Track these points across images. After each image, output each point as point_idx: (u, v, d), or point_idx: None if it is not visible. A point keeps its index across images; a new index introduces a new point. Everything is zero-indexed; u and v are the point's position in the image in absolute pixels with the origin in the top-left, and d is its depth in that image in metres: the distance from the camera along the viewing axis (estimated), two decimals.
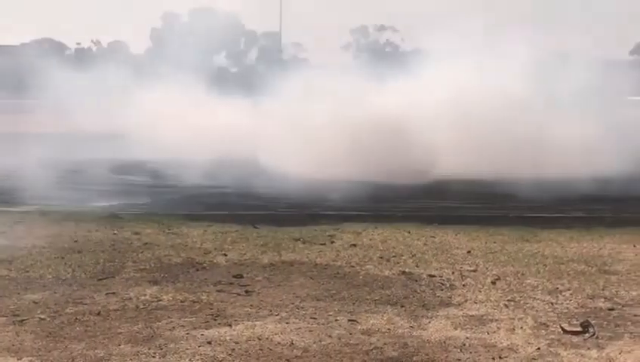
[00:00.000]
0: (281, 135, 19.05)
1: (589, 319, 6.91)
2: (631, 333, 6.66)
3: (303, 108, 19.15)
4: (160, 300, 7.57)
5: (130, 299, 7.62)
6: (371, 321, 6.93)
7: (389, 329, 6.74)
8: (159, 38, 60.79)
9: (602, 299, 7.72)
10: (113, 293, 7.79)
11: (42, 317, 7.01)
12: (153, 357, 6.01)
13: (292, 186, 15.81)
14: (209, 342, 6.32)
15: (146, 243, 10.25)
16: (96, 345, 6.25)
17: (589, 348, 6.27)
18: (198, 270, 8.90)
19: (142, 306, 7.37)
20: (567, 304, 7.55)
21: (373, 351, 6.19)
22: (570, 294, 7.90)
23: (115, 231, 11.09)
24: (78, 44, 70.39)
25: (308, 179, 16.28)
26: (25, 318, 6.95)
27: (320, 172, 16.73)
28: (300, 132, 18.62)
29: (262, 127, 20.22)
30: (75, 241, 10.35)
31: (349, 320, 6.94)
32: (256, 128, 20.33)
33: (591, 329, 6.64)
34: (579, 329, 6.68)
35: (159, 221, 12.04)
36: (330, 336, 6.50)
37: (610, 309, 7.37)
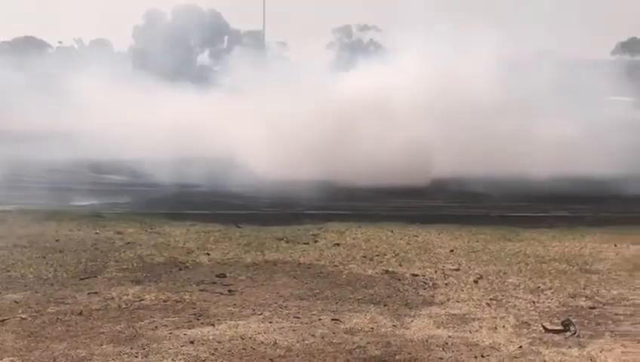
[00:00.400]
0: (248, 133, 18.83)
1: (570, 318, 6.96)
2: (611, 332, 6.71)
3: (270, 106, 19.00)
4: (142, 300, 7.54)
5: (113, 298, 7.58)
6: (354, 320, 6.94)
7: (372, 328, 6.75)
8: (141, 36, 60.45)
9: (583, 298, 7.78)
10: (95, 293, 7.75)
11: (23, 316, 6.96)
12: (135, 356, 5.99)
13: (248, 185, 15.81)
14: (192, 342, 6.30)
15: (129, 243, 10.20)
16: (78, 345, 6.22)
17: (570, 347, 6.31)
18: (180, 269, 8.87)
19: (124, 306, 7.34)
20: (549, 303, 7.60)
21: (357, 350, 6.20)
22: (552, 293, 7.95)
23: (97, 231, 11.03)
24: (60, 42, 69.91)
25: (264, 178, 16.29)
26: (6, 318, 6.90)
27: (277, 172, 16.64)
28: (268, 130, 18.50)
29: (226, 125, 19.93)
30: (57, 241, 10.29)
31: (332, 320, 6.95)
32: (225, 126, 20.03)
33: (572, 328, 6.68)
34: (560, 327, 6.73)
35: (141, 220, 11.99)
36: (313, 335, 6.51)
37: (591, 308, 7.43)
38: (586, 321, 7.00)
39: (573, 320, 6.87)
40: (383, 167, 16.70)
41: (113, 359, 5.93)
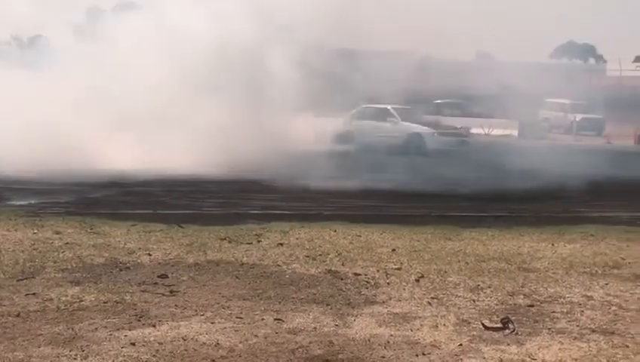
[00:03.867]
0: None
1: (509, 316, 7.08)
2: (549, 329, 6.86)
3: None
4: (82, 301, 7.41)
5: (51, 299, 7.43)
6: (297, 320, 6.95)
7: (314, 327, 6.76)
8: (81, 34, 59.45)
9: (522, 296, 7.93)
10: (33, 294, 7.59)
11: None
12: (75, 359, 5.88)
13: None
14: (132, 343, 6.22)
15: (68, 243, 10.01)
16: (15, 347, 6.08)
17: (509, 344, 6.42)
18: (121, 270, 8.74)
19: (63, 307, 7.20)
20: (488, 301, 7.72)
21: (299, 349, 6.21)
22: (491, 291, 8.09)
23: (35, 231, 10.80)
24: None
25: None
26: None
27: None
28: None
29: None
30: None
31: (275, 319, 6.94)
32: None
33: (511, 326, 6.80)
34: (499, 325, 6.84)
35: (81, 220, 11.78)
36: (256, 336, 6.49)
37: (529, 306, 7.57)
38: (525, 319, 7.13)
39: (512, 318, 7.00)
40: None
41: (52, 361, 5.83)
